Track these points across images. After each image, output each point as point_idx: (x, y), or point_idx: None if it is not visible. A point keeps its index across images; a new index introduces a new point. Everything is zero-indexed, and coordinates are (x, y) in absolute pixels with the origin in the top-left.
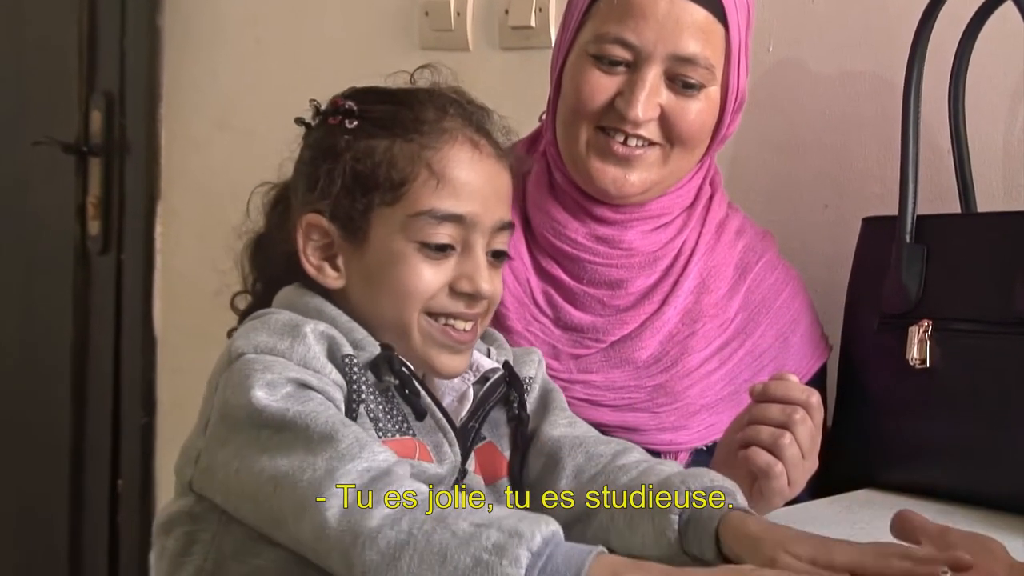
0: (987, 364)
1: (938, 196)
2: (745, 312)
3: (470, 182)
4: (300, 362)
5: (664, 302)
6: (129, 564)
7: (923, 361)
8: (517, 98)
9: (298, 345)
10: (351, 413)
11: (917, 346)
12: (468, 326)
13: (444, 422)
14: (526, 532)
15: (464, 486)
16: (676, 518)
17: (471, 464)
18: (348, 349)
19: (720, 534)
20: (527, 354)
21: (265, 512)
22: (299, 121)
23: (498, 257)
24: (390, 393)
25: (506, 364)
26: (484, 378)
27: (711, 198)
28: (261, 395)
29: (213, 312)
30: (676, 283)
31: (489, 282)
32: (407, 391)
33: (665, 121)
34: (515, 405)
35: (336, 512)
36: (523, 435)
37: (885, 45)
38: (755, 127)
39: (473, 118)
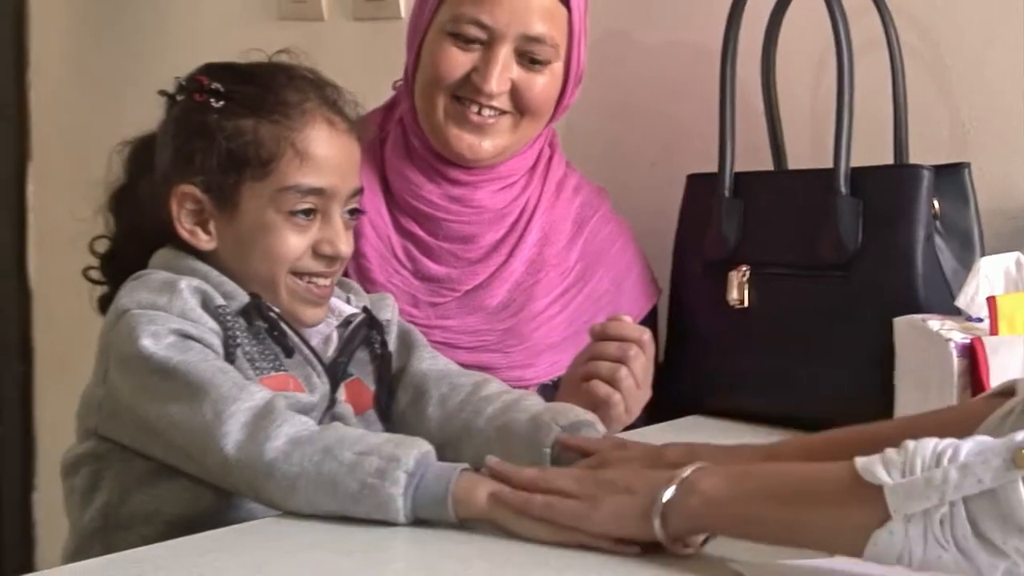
0: (797, 303)
1: (754, 154)
2: (583, 261)
3: (329, 158)
4: (179, 314)
5: (511, 254)
6: (11, 503)
7: (742, 302)
8: (369, 65)
9: (175, 299)
10: (230, 356)
11: (736, 288)
12: (328, 282)
13: (311, 356)
14: (402, 456)
15: (333, 413)
16: (548, 451)
17: (341, 394)
18: (220, 300)
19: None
20: (381, 299)
21: (173, 449)
22: (163, 93)
23: (352, 215)
24: (261, 335)
25: (365, 309)
26: (347, 322)
27: (550, 159)
28: (148, 343)
29: (86, 265)
30: (521, 237)
31: (347, 244)
32: (276, 332)
33: (515, 93)
34: (377, 345)
35: (233, 449)
36: (387, 370)
37: (704, 16)
38: (587, 94)
39: (328, 98)
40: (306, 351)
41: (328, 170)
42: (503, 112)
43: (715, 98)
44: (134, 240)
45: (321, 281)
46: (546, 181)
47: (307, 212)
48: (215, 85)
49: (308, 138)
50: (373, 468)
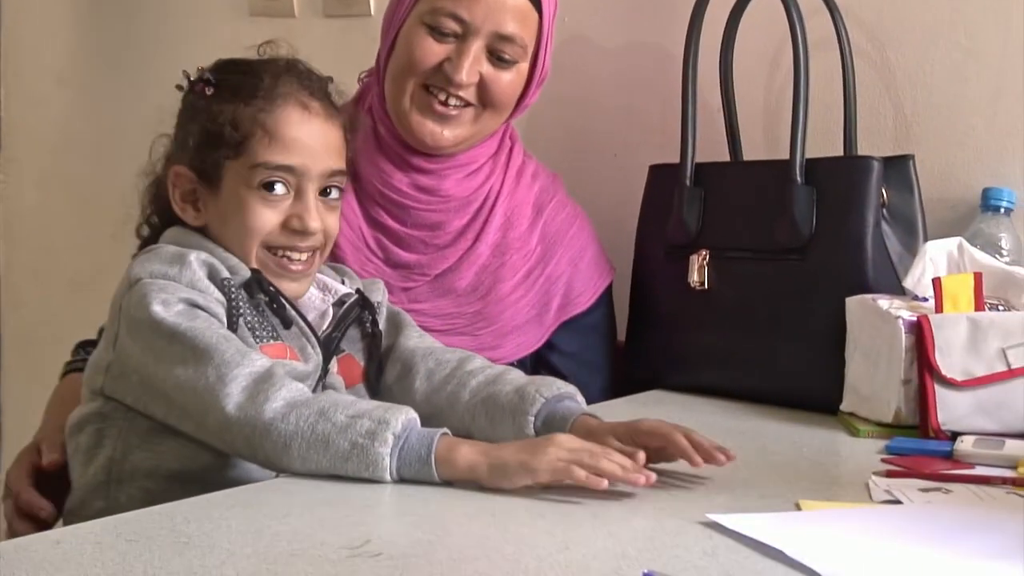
0: (754, 285)
1: (711, 147)
2: (543, 244)
3: (298, 139)
4: (188, 284)
5: (477, 239)
6: None
7: (702, 284)
8: (339, 60)
9: (185, 270)
10: (232, 325)
11: (697, 271)
12: (303, 257)
13: (307, 329)
14: (391, 419)
15: (325, 383)
16: (533, 419)
17: (333, 366)
18: (225, 273)
19: (571, 431)
20: (373, 283)
21: (175, 409)
22: (179, 88)
23: (329, 195)
24: (261, 308)
25: (359, 290)
26: (341, 301)
27: (511, 149)
28: (159, 309)
29: (53, 253)
30: (486, 222)
31: (318, 220)
32: (275, 305)
33: (482, 87)
34: (368, 324)
35: (233, 409)
36: (376, 348)
37: (663, 17)
38: (553, 89)
39: (305, 83)
40: (302, 324)
41: (297, 150)
42: (467, 104)
43: (672, 94)
44: (167, 226)
45: (294, 255)
46: (507, 169)
47: (273, 185)
48: (207, 75)
49: (278, 119)
50: (364, 429)
